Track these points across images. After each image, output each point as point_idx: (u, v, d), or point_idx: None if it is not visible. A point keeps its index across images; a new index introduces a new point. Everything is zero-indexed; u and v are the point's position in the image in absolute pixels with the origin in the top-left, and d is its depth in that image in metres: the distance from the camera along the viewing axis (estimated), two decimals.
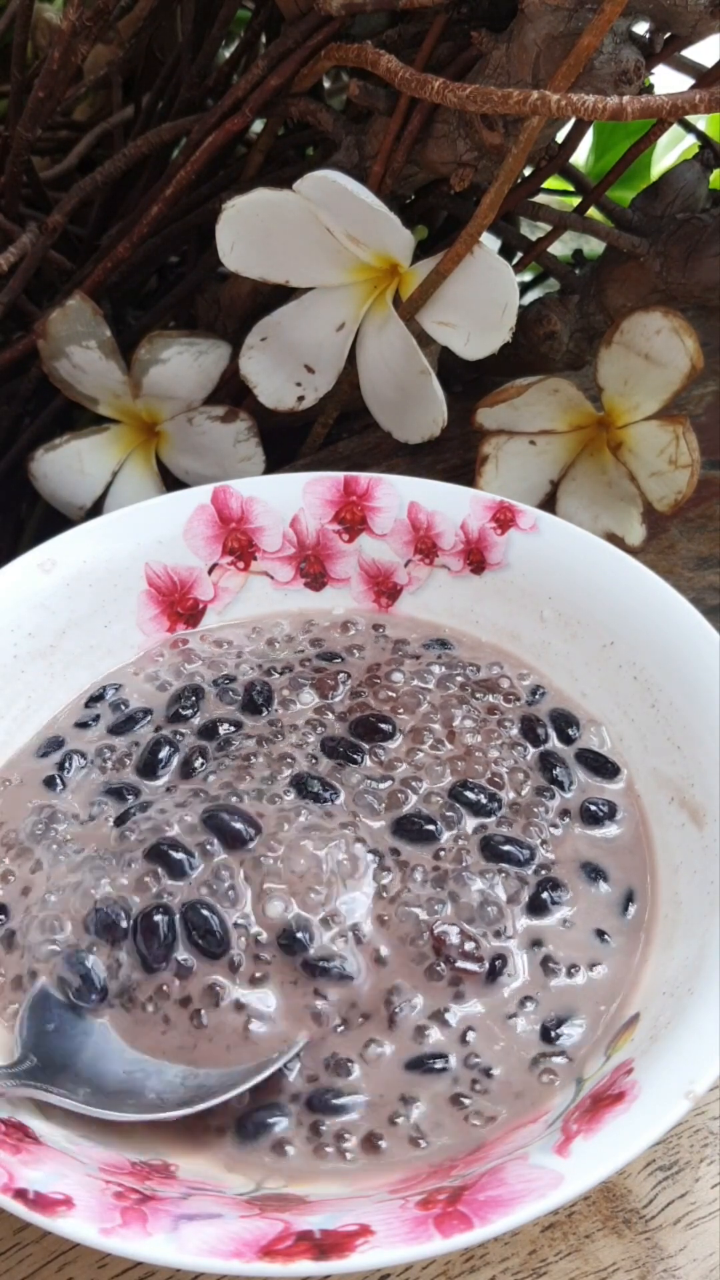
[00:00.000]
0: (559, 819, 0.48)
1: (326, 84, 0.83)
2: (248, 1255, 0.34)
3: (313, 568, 0.57)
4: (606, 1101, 0.38)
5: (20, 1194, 0.35)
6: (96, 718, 0.52)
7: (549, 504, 0.66)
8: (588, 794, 0.49)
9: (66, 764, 0.50)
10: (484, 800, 0.48)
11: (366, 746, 0.50)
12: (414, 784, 0.48)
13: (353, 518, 0.57)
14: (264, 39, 0.70)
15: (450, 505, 0.56)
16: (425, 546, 0.57)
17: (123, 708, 0.52)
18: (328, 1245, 0.34)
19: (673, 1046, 0.38)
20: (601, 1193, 0.43)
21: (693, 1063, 0.37)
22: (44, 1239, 0.42)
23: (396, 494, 0.57)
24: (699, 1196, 0.43)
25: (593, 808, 0.48)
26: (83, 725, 0.52)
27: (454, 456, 0.71)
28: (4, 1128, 0.38)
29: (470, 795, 0.48)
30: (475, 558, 0.56)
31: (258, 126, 0.69)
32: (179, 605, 0.56)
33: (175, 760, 0.49)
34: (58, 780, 0.49)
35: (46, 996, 0.42)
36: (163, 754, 0.49)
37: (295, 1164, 0.39)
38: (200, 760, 0.49)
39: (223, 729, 0.51)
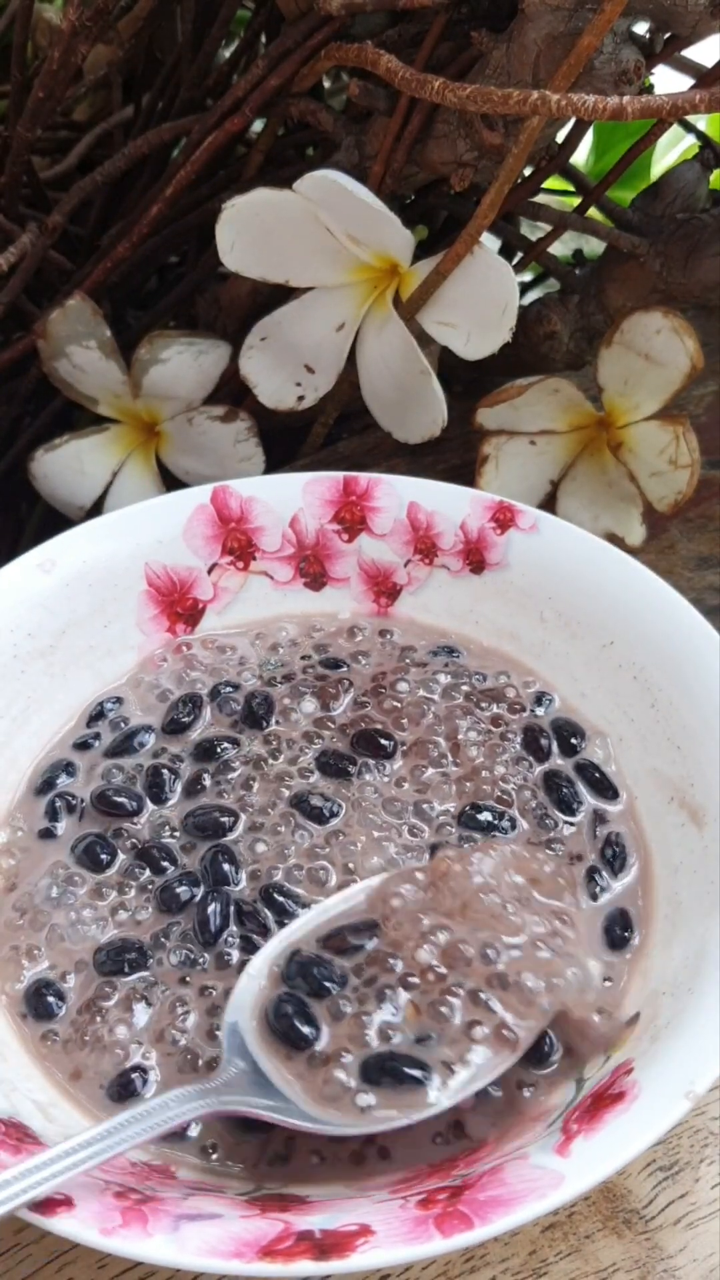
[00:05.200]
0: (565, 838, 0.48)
1: (326, 84, 0.83)
2: (248, 1255, 0.34)
3: (312, 568, 0.57)
4: (606, 1101, 0.38)
5: None
6: (97, 736, 0.52)
7: (549, 504, 0.66)
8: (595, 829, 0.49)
9: (58, 811, 0.49)
10: (493, 819, 0.48)
11: (369, 762, 0.50)
12: (423, 806, 0.48)
13: (352, 518, 0.57)
14: (264, 39, 0.70)
15: (450, 505, 0.56)
16: (425, 546, 0.57)
17: (122, 725, 0.52)
18: (328, 1245, 0.34)
19: (673, 1046, 0.38)
20: (601, 1193, 0.43)
21: (693, 1063, 0.37)
22: (44, 1239, 0.42)
23: (396, 494, 0.57)
24: (699, 1196, 0.43)
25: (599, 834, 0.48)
26: (82, 745, 0.51)
27: (454, 456, 0.71)
28: (4, 1128, 0.38)
29: (481, 818, 0.48)
30: (475, 558, 0.56)
31: (258, 126, 0.69)
32: (178, 605, 0.56)
33: (177, 789, 0.49)
34: (53, 831, 0.48)
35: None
36: (161, 784, 0.49)
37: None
38: (198, 788, 0.49)
39: (220, 749, 0.50)
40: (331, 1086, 0.39)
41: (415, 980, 0.40)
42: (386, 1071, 0.39)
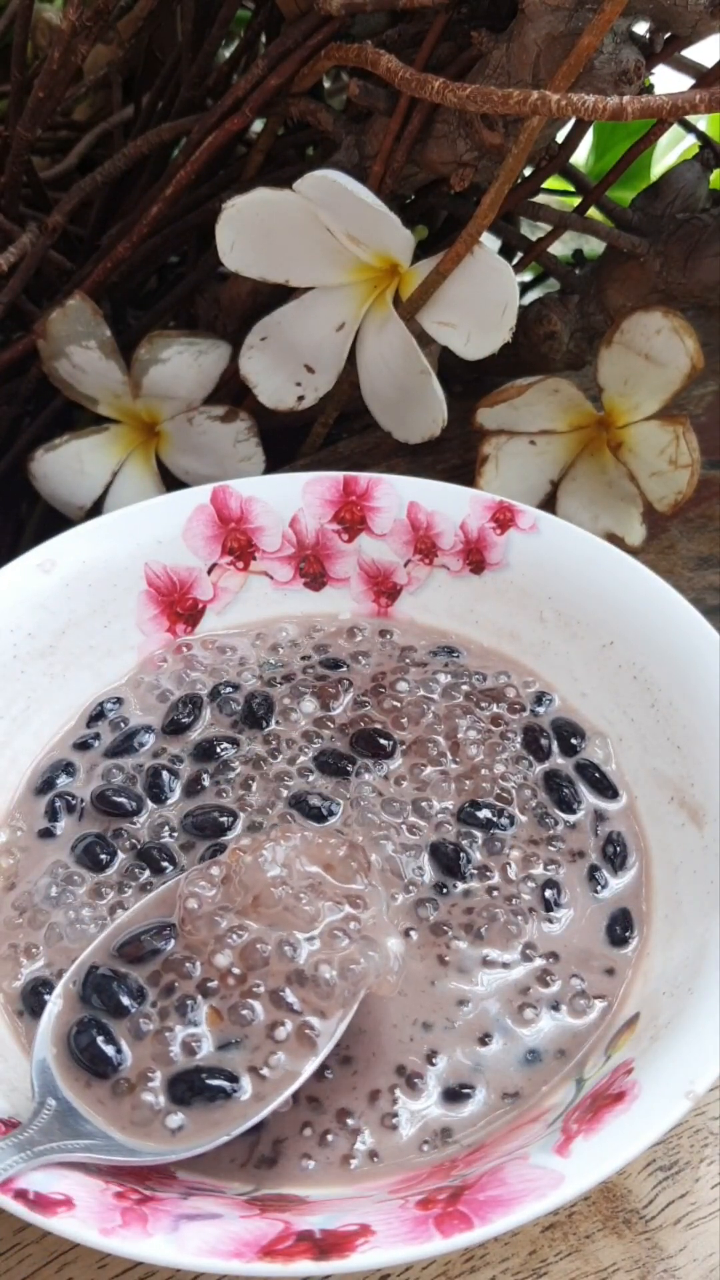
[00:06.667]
0: (565, 836, 0.48)
1: (326, 84, 0.83)
2: (248, 1255, 0.34)
3: (312, 567, 0.57)
4: (606, 1101, 0.38)
5: (20, 1194, 0.35)
6: (97, 736, 0.52)
7: (549, 504, 0.66)
8: (597, 826, 0.49)
9: (58, 811, 0.49)
10: (493, 817, 0.48)
11: (369, 762, 0.50)
12: (422, 804, 0.48)
13: (352, 518, 0.57)
14: (264, 39, 0.70)
15: (450, 505, 0.56)
16: (425, 546, 0.57)
17: (122, 725, 0.52)
18: (328, 1245, 0.34)
19: (673, 1046, 0.38)
20: (601, 1193, 0.43)
21: (693, 1063, 0.37)
22: (44, 1239, 0.42)
23: (396, 494, 0.57)
24: (699, 1196, 0.43)
25: (602, 837, 0.48)
26: (82, 746, 0.51)
27: (454, 456, 0.71)
28: (3, 1128, 0.38)
29: (480, 815, 0.48)
30: (475, 558, 0.56)
31: (258, 126, 0.69)
32: (178, 605, 0.56)
33: (177, 789, 0.49)
34: (53, 831, 0.48)
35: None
36: (160, 784, 0.49)
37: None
38: (198, 788, 0.49)
39: (220, 749, 0.50)
40: (141, 1111, 0.38)
41: (214, 985, 0.40)
42: (194, 1089, 0.39)
